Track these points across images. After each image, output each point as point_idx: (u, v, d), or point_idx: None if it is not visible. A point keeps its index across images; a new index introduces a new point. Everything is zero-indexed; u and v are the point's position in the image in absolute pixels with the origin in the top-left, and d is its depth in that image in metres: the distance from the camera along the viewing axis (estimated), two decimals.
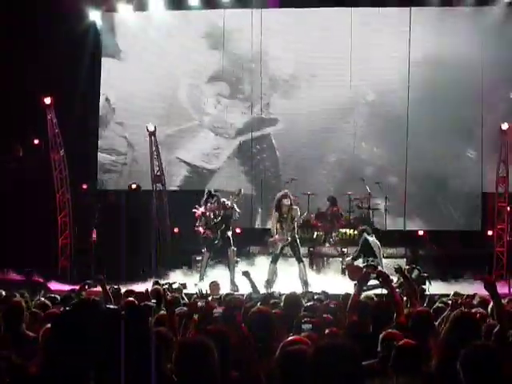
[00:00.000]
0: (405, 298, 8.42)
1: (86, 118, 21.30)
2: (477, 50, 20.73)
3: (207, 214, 17.18)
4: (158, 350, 3.94)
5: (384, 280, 7.54)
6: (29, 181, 20.07)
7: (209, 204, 17.23)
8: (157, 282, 12.91)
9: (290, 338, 5.14)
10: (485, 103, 20.80)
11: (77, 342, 3.41)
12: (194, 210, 17.35)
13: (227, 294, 11.14)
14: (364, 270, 15.09)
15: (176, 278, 16.38)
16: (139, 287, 12.32)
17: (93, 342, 3.37)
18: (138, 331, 3.68)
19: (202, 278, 16.78)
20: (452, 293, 11.07)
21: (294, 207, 16.71)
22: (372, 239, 16.15)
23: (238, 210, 17.09)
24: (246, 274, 10.60)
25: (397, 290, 11.34)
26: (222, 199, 17.26)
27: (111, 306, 3.76)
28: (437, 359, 5.37)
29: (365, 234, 16.09)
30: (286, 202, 16.53)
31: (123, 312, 3.57)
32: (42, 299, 9.68)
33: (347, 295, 8.57)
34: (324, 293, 11.41)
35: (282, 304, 8.44)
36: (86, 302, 3.72)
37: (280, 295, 10.19)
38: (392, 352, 5.32)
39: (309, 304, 8.49)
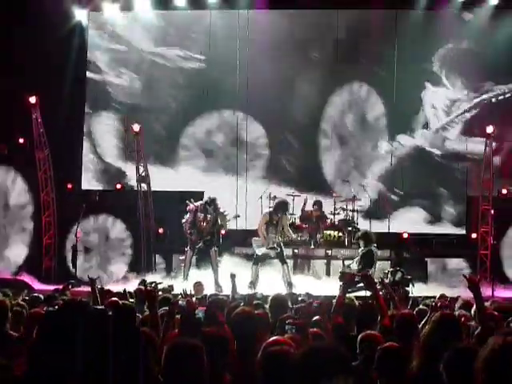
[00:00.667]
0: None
1: (71, 117, 21.22)
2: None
3: (198, 214, 17.13)
4: (145, 350, 3.95)
5: (368, 283, 7.57)
6: (13, 179, 20.04)
7: (203, 210, 17.14)
8: (143, 281, 12.90)
9: (272, 339, 5.15)
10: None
11: (63, 342, 3.41)
12: (187, 202, 17.29)
13: (211, 295, 11.15)
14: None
15: (160, 278, 16.36)
16: (125, 286, 12.29)
17: (79, 342, 3.37)
18: (124, 332, 3.69)
19: (185, 278, 16.80)
20: (438, 295, 11.14)
21: (285, 215, 16.74)
22: (375, 249, 15.95)
23: (225, 227, 17.13)
24: (232, 276, 10.61)
25: (381, 291, 11.40)
26: (221, 210, 17.19)
27: (98, 307, 3.77)
28: (418, 361, 5.40)
29: (373, 247, 15.86)
30: (282, 213, 16.57)
31: (110, 313, 3.58)
32: (26, 298, 9.68)
33: (327, 299, 8.59)
34: (308, 294, 11.43)
35: (267, 305, 8.47)
36: (73, 303, 3.72)
37: (262, 296, 10.22)
38: (375, 354, 5.34)
39: (296, 306, 8.52)
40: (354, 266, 15.83)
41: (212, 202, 17.07)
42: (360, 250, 16.00)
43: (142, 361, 3.66)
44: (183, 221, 17.27)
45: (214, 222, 17.04)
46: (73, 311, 3.44)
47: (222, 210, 17.16)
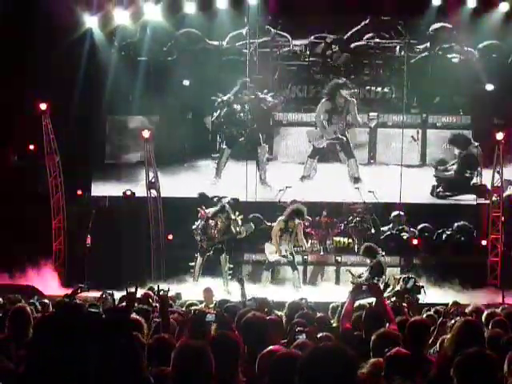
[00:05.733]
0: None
1: (81, 123, 21.25)
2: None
3: (210, 221, 17.10)
4: (136, 353, 3.94)
5: (374, 292, 7.59)
6: (24, 186, 20.10)
7: (216, 217, 17.10)
8: (151, 288, 12.87)
9: (267, 349, 5.15)
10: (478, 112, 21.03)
11: (58, 343, 3.41)
12: (198, 209, 17.27)
13: (221, 301, 11.13)
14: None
15: (169, 285, 16.33)
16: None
17: (74, 343, 3.38)
18: (116, 335, 3.69)
19: (196, 279, 16.87)
20: (450, 302, 11.16)
21: (297, 221, 16.72)
22: (384, 260, 15.94)
23: (243, 233, 17.05)
24: (240, 281, 10.61)
25: (393, 298, 11.42)
26: (233, 217, 17.09)
27: (93, 310, 3.79)
28: (437, 367, 5.35)
29: (379, 257, 15.82)
30: (298, 220, 16.52)
31: (104, 315, 3.61)
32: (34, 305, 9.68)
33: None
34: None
35: (284, 311, 8.54)
36: (68, 306, 3.73)
37: (273, 303, 10.23)
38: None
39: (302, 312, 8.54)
40: (364, 276, 15.80)
41: (223, 209, 17.02)
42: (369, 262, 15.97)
43: (132, 362, 3.66)
44: (194, 227, 17.28)
45: (226, 230, 16.99)
46: (67, 314, 3.45)
47: (234, 217, 17.12)
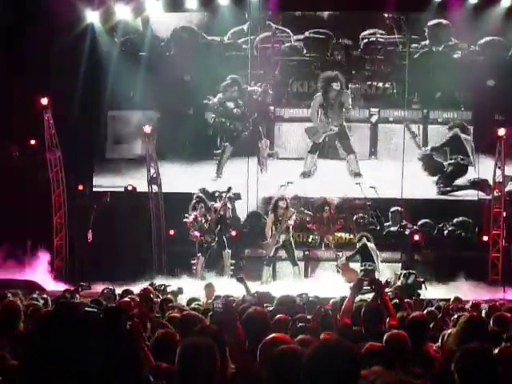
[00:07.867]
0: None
1: (83, 118, 21.24)
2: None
3: (198, 219, 17.23)
4: (135, 352, 3.93)
5: (376, 287, 7.59)
6: (25, 181, 20.08)
7: (197, 210, 17.29)
8: (152, 284, 12.91)
9: (270, 336, 5.15)
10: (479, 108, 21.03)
11: (55, 344, 3.42)
12: (184, 220, 17.39)
13: (223, 297, 11.15)
14: (359, 273, 15.26)
15: (170, 281, 16.35)
16: (134, 289, 12.28)
17: (71, 344, 3.38)
18: (114, 333, 3.69)
19: (201, 278, 16.91)
20: (452, 298, 11.18)
21: (290, 209, 16.80)
22: (371, 245, 16.24)
23: (229, 206, 17.19)
24: (240, 279, 10.63)
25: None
26: (211, 202, 17.32)
27: (90, 309, 3.79)
28: (441, 363, 5.35)
29: (364, 240, 16.21)
30: (282, 204, 16.63)
31: (101, 315, 3.61)
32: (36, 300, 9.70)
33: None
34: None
35: (272, 307, 8.53)
36: (65, 306, 3.73)
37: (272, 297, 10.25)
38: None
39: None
40: (344, 260, 16.13)
41: (198, 200, 17.28)
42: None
43: (129, 359, 3.66)
44: (191, 234, 17.42)
45: (216, 220, 17.18)
46: (64, 314, 3.45)
47: (211, 203, 17.35)
